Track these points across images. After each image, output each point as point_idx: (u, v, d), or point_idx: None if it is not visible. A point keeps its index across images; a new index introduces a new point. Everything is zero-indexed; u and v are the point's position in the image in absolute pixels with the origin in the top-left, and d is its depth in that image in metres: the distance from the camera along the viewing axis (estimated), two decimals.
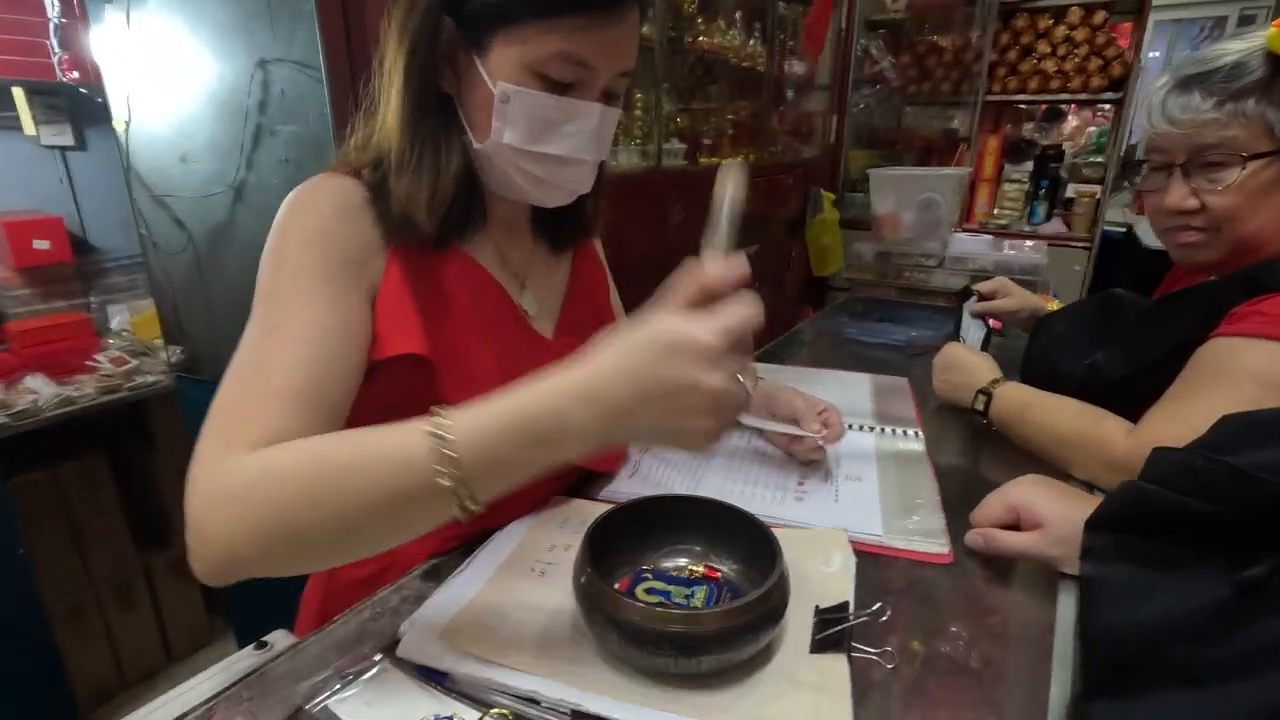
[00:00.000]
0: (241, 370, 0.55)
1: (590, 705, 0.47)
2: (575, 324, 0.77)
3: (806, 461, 0.83)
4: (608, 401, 0.44)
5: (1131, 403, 0.76)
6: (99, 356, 1.68)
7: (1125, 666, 0.42)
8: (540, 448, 0.46)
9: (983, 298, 1.14)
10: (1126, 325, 0.85)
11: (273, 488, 0.47)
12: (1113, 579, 0.46)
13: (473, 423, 0.46)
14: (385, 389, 0.61)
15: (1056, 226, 2.81)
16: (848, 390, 1.06)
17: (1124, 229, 3.51)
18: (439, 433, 0.45)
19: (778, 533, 0.55)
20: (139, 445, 1.82)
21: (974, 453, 0.92)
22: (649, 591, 0.59)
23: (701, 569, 0.61)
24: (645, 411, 0.44)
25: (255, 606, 0.89)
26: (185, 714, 0.48)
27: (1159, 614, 0.41)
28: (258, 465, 0.48)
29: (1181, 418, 0.69)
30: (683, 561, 0.62)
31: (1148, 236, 3.25)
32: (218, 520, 0.47)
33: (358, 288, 0.60)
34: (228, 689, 0.50)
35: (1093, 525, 0.49)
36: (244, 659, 0.57)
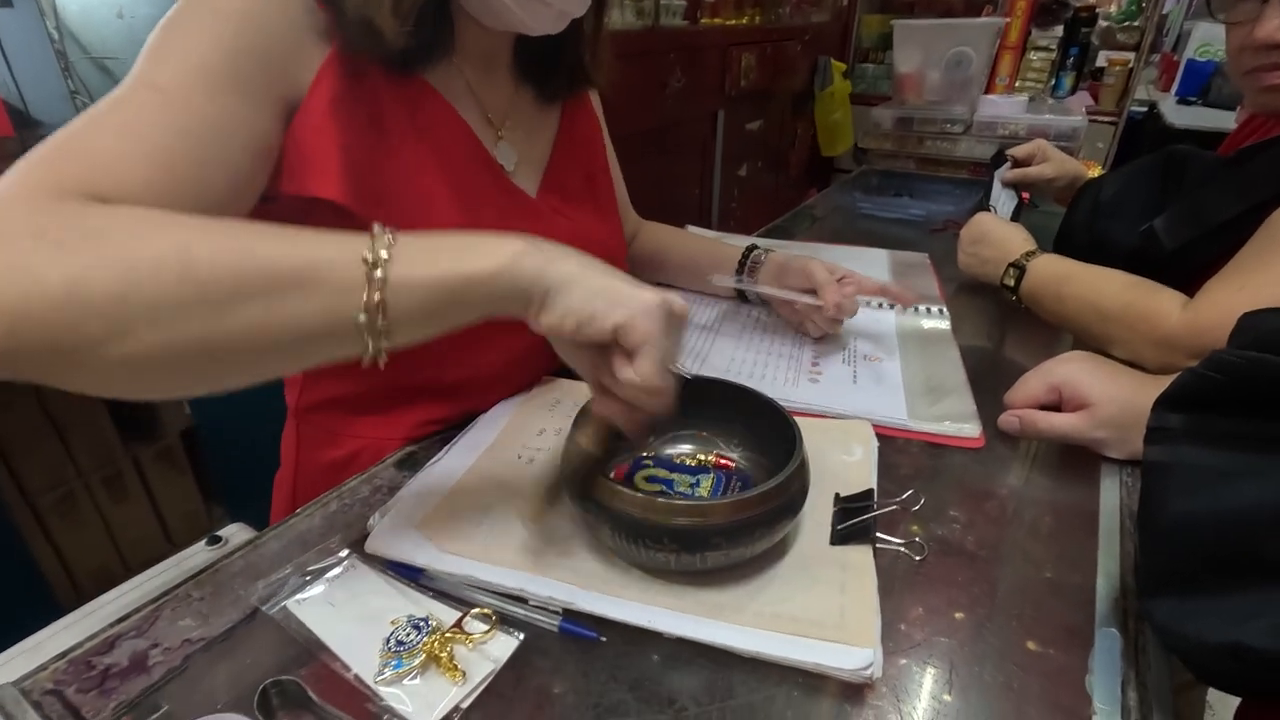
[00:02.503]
0: (100, 114, 0.40)
1: (583, 603, 0.42)
2: (562, 183, 0.67)
3: (821, 336, 0.75)
4: (550, 251, 0.41)
5: (1190, 276, 0.67)
6: None
7: (1210, 560, 0.36)
8: (465, 307, 0.40)
9: (1017, 163, 1.03)
10: (1192, 185, 0.75)
11: (132, 239, 0.34)
12: (1192, 463, 0.39)
13: (414, 259, 0.37)
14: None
15: (1083, 100, 2.61)
16: (863, 266, 0.96)
17: (1147, 108, 3.31)
18: (375, 259, 0.36)
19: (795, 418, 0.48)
20: None
21: (1000, 334, 0.85)
22: (649, 480, 0.52)
23: (710, 457, 0.54)
24: (583, 259, 0.42)
25: (253, 494, 0.85)
26: (126, 616, 0.42)
27: (1258, 502, 0.35)
28: (114, 211, 0.36)
29: (1251, 287, 0.61)
30: (687, 448, 0.55)
31: (1173, 114, 3.06)
32: (18, 265, 0.32)
33: (268, 95, 0.46)
34: (175, 588, 0.44)
35: (1167, 403, 0.42)
36: (196, 555, 0.52)
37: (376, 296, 0.36)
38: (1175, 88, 3.47)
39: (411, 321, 0.38)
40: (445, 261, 0.38)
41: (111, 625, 0.42)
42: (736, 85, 2.26)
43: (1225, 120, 2.79)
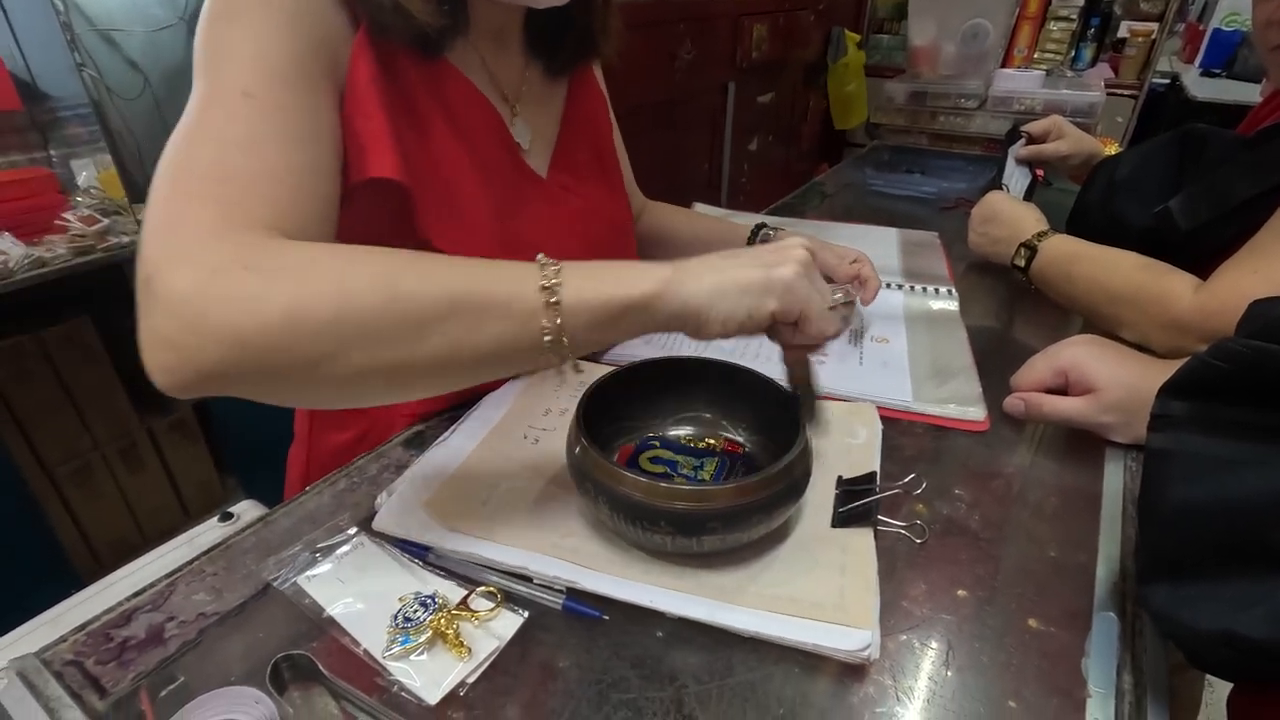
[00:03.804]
0: (214, 131, 0.41)
1: (586, 583, 0.42)
2: (571, 161, 0.66)
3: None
4: (691, 270, 0.43)
5: (1205, 258, 0.66)
6: (68, 215, 1.57)
7: (1209, 548, 0.36)
8: (628, 326, 0.43)
9: (1032, 140, 1.01)
10: (1210, 165, 0.73)
11: (340, 271, 0.37)
12: (1195, 451, 0.39)
13: (581, 286, 0.41)
14: (355, 217, 0.51)
15: (1102, 72, 2.55)
16: (872, 245, 0.96)
17: (1169, 80, 3.22)
18: (550, 285, 0.40)
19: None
20: (123, 309, 1.76)
21: (1009, 316, 0.84)
22: (654, 461, 0.53)
23: (719, 441, 0.54)
24: (715, 262, 0.44)
25: (264, 465, 0.87)
26: (142, 590, 0.43)
27: (1258, 491, 0.35)
28: (311, 247, 0.39)
29: (1265, 271, 0.60)
30: (692, 430, 0.56)
31: (1196, 87, 2.98)
32: (237, 294, 0.35)
33: (329, 85, 0.47)
34: (189, 563, 0.46)
35: (1171, 390, 0.42)
36: (210, 531, 0.53)
37: (556, 320, 0.40)
38: (1199, 59, 3.38)
39: (584, 338, 0.41)
40: (607, 287, 0.41)
41: (128, 599, 0.43)
42: (748, 57, 2.22)
43: (1250, 93, 2.72)
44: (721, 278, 0.43)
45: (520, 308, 0.40)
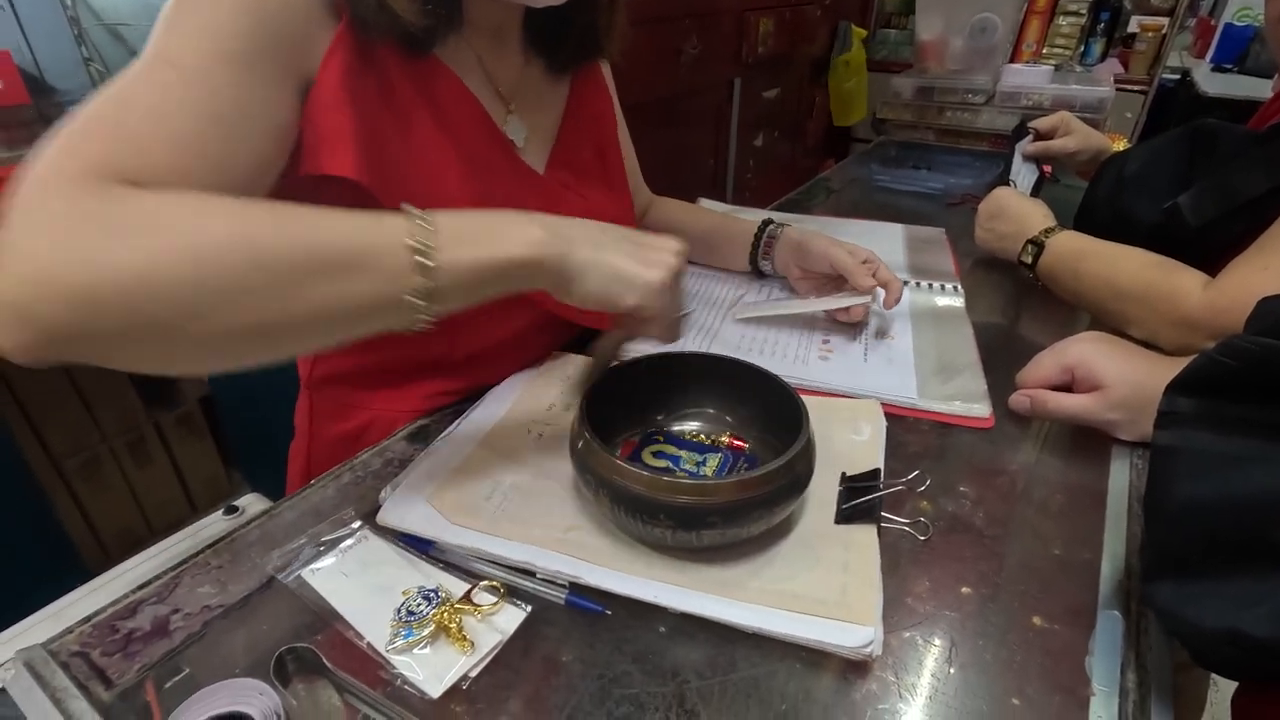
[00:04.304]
0: (124, 93, 0.40)
1: (589, 577, 0.43)
2: (572, 158, 0.66)
3: (856, 322, 0.73)
4: (568, 233, 0.45)
5: (1214, 255, 0.66)
6: None
7: (1214, 546, 0.36)
8: (499, 286, 0.44)
9: (1040, 136, 1.00)
10: (1221, 161, 0.73)
11: (196, 226, 0.35)
12: (1201, 448, 0.39)
13: (456, 246, 0.41)
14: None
15: (1112, 67, 2.53)
16: (878, 241, 0.96)
17: (1179, 75, 3.19)
18: (422, 246, 0.39)
19: (802, 398, 0.48)
20: None
21: (1015, 312, 0.84)
22: (657, 455, 0.53)
23: (724, 437, 0.54)
24: (596, 236, 0.47)
25: (269, 460, 0.87)
26: (148, 582, 0.44)
27: (1264, 489, 0.35)
28: (165, 197, 0.36)
29: (1275, 267, 0.59)
30: (696, 425, 0.56)
31: (1206, 82, 2.95)
32: (82, 249, 0.33)
33: (285, 73, 0.46)
34: (194, 556, 0.46)
35: (1178, 387, 0.42)
36: (214, 524, 0.53)
37: (426, 280, 0.39)
38: (1211, 54, 3.34)
39: (454, 298, 0.41)
40: (482, 248, 0.42)
41: (134, 591, 0.43)
42: (754, 52, 2.21)
43: (1262, 89, 2.70)
44: (598, 257, 0.45)
45: (389, 265, 0.39)
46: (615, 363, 0.53)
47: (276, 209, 0.39)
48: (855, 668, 0.39)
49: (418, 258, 0.39)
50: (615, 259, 0.45)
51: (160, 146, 0.39)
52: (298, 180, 0.49)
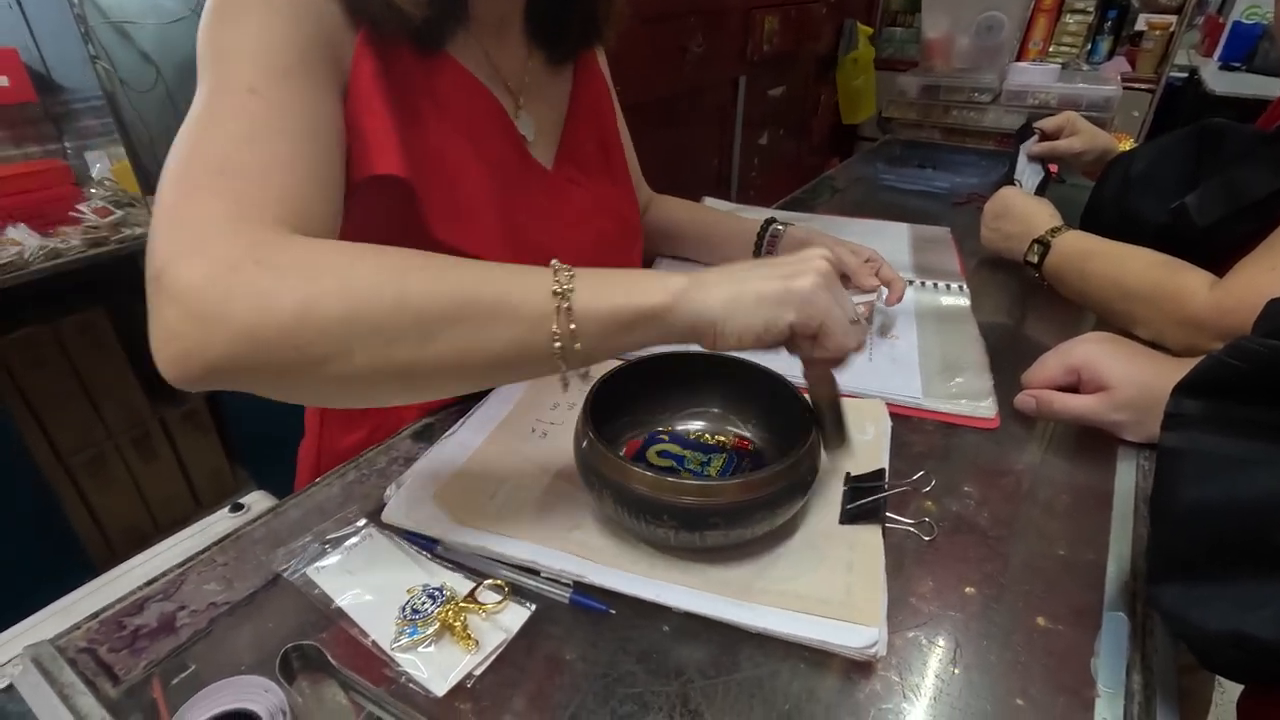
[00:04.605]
0: (220, 125, 0.41)
1: (593, 577, 0.43)
2: (577, 152, 0.66)
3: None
4: (706, 281, 0.43)
5: (1221, 255, 0.66)
6: (82, 207, 1.59)
7: (1220, 548, 0.36)
8: (640, 335, 0.42)
9: (1045, 136, 1.00)
10: (1227, 161, 0.72)
11: (350, 270, 0.37)
12: (1208, 450, 0.39)
13: (594, 293, 0.40)
14: (362, 214, 0.51)
15: (1119, 66, 2.52)
16: (884, 240, 0.96)
17: (1186, 74, 3.17)
18: (564, 291, 0.39)
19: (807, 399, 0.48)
20: (137, 300, 1.77)
21: (1021, 312, 0.83)
22: (661, 455, 0.53)
23: (729, 438, 0.54)
24: (733, 272, 0.43)
25: (274, 456, 0.88)
26: (154, 579, 0.44)
27: (1270, 491, 0.35)
28: (319, 242, 0.39)
29: None
30: (701, 424, 0.56)
31: (1214, 81, 2.93)
32: (248, 289, 0.35)
33: (332, 81, 0.47)
34: (201, 553, 0.46)
35: (1185, 389, 0.42)
36: (220, 521, 0.53)
37: (569, 326, 0.39)
38: (1219, 52, 3.32)
39: (592, 344, 0.41)
40: (620, 295, 0.41)
41: (141, 588, 0.43)
42: (759, 50, 2.21)
43: (1271, 87, 2.68)
44: (738, 289, 0.42)
45: (530, 312, 0.39)
46: (837, 399, 0.47)
47: (425, 255, 0.40)
48: (859, 668, 0.39)
49: (559, 303, 0.39)
50: (755, 285, 0.42)
51: (278, 175, 0.41)
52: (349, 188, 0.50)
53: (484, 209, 0.56)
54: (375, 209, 0.52)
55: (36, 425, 1.57)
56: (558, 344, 0.40)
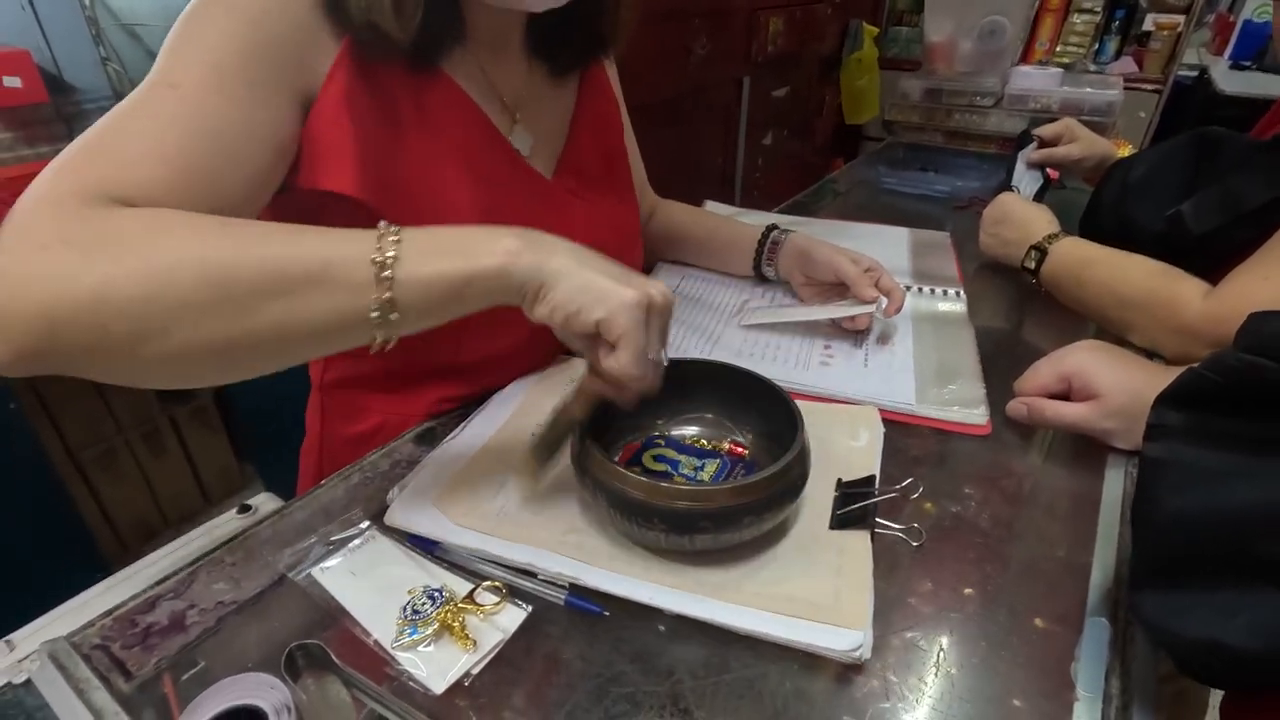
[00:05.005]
0: (122, 115, 0.41)
1: (589, 579, 0.44)
2: (580, 164, 0.67)
3: (863, 329, 0.74)
4: (547, 245, 0.43)
5: (1216, 263, 0.66)
6: None
7: (1198, 558, 0.37)
8: (468, 300, 0.42)
9: (1044, 144, 1.00)
10: (1225, 169, 0.73)
11: (153, 245, 0.36)
12: (1188, 461, 0.39)
13: (420, 259, 0.40)
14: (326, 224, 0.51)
15: (1126, 66, 2.51)
16: (883, 245, 0.97)
17: (1196, 73, 3.15)
18: (385, 259, 0.39)
19: (802, 404, 0.49)
20: None
21: (1019, 317, 0.84)
22: (656, 459, 0.54)
23: (725, 444, 0.56)
24: (581, 253, 0.44)
25: (281, 454, 0.89)
26: (165, 578, 0.45)
27: (1247, 503, 0.35)
28: (135, 215, 0.37)
29: (1275, 278, 0.60)
30: (697, 430, 0.57)
31: (1224, 81, 2.92)
32: (48, 270, 0.35)
33: (284, 90, 0.47)
34: (210, 553, 0.47)
35: (1167, 401, 0.42)
36: (228, 523, 0.55)
37: (387, 295, 0.39)
38: (1229, 51, 3.30)
39: (418, 314, 0.41)
40: (448, 260, 0.41)
41: (152, 586, 0.45)
42: (764, 50, 2.21)
43: None
44: (576, 267, 0.42)
45: (349, 280, 0.38)
46: (577, 424, 0.47)
47: (244, 226, 0.39)
48: (846, 672, 0.40)
49: (380, 271, 0.39)
50: (592, 274, 0.42)
51: (147, 165, 0.40)
52: (305, 197, 0.50)
53: (468, 223, 0.56)
54: (342, 223, 0.52)
55: (48, 420, 1.59)
56: (375, 313, 0.39)
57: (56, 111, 1.71)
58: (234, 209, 0.43)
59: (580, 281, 0.42)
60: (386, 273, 0.39)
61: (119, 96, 1.49)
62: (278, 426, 1.10)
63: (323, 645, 0.39)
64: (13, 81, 1.56)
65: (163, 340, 0.36)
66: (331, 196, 0.50)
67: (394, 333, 0.41)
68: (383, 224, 0.41)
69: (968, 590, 0.45)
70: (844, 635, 0.40)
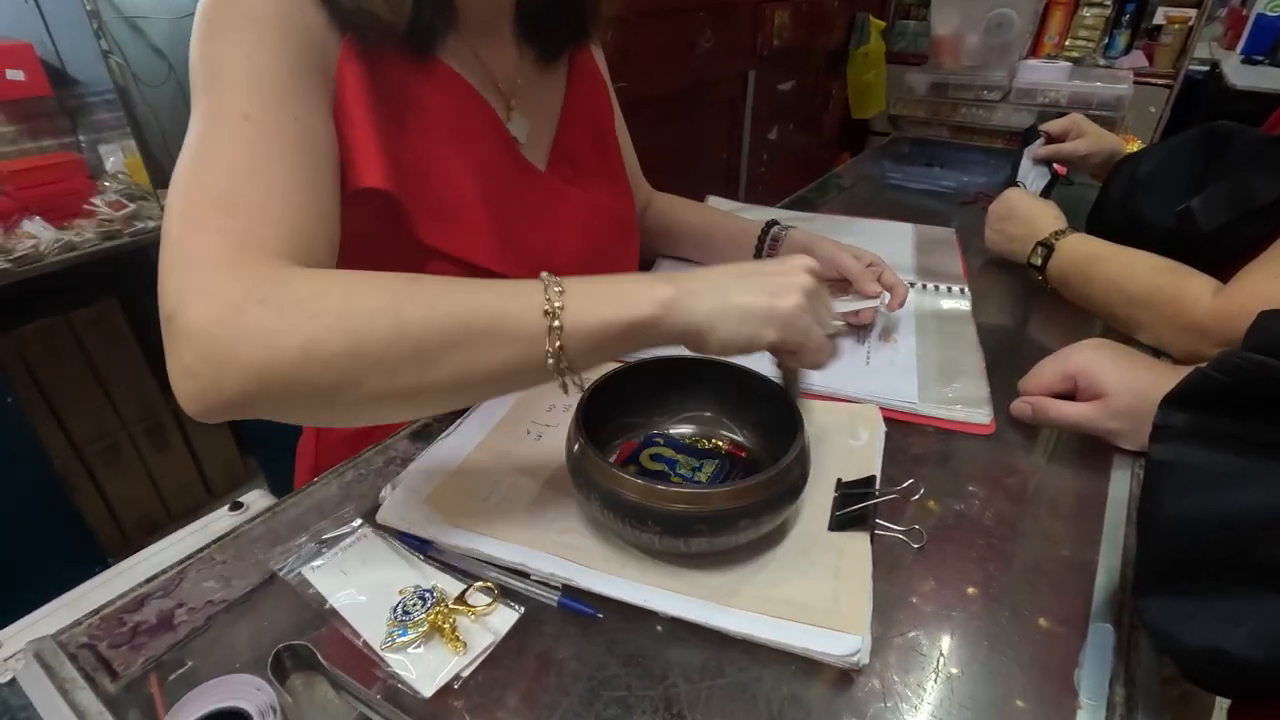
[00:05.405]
0: (216, 157, 0.42)
1: (582, 580, 0.43)
2: (572, 153, 0.66)
3: (865, 326, 0.73)
4: (693, 289, 0.44)
5: (1226, 260, 0.65)
6: (95, 200, 1.61)
7: (1201, 563, 0.36)
8: (629, 344, 0.44)
9: (1050, 139, 0.99)
10: (1236, 164, 0.71)
11: (349, 304, 0.39)
12: (1193, 463, 0.38)
13: (582, 308, 0.42)
14: (355, 224, 0.51)
15: (1136, 60, 2.48)
16: (887, 241, 0.95)
17: (1208, 67, 3.11)
18: (553, 310, 0.41)
19: (802, 403, 0.48)
20: (149, 292, 1.79)
21: (1024, 315, 0.83)
22: (654, 458, 0.53)
23: (723, 443, 0.55)
24: (720, 279, 0.45)
25: (283, 448, 0.89)
26: (154, 576, 0.45)
27: (1251, 507, 0.34)
28: (320, 277, 0.40)
29: None
30: (695, 429, 0.56)
31: (1236, 75, 2.88)
32: (254, 329, 0.37)
33: (323, 98, 0.48)
34: (200, 551, 0.47)
35: (1173, 401, 0.41)
36: (220, 520, 0.54)
37: (558, 343, 0.41)
38: (1241, 45, 3.26)
39: (582, 357, 0.43)
40: (607, 307, 0.42)
41: (141, 585, 0.44)
42: (769, 44, 2.19)
43: None
44: (724, 302, 0.44)
45: (524, 331, 0.41)
46: (798, 392, 0.53)
47: (421, 281, 0.41)
48: (843, 677, 0.39)
49: (550, 322, 0.41)
50: (741, 299, 0.44)
51: (276, 209, 0.42)
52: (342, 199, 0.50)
53: (473, 212, 0.56)
54: (365, 217, 0.52)
55: (51, 415, 1.59)
56: (550, 361, 0.41)
57: (59, 104, 1.71)
58: (335, 229, 0.47)
59: (735, 315, 0.44)
60: (556, 322, 0.41)
61: (121, 90, 1.49)
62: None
63: (310, 646, 0.39)
64: (15, 74, 1.56)
65: (356, 389, 0.39)
66: (358, 196, 0.50)
67: (565, 374, 0.43)
68: (544, 274, 0.43)
69: (970, 589, 0.44)
70: (842, 640, 0.39)
